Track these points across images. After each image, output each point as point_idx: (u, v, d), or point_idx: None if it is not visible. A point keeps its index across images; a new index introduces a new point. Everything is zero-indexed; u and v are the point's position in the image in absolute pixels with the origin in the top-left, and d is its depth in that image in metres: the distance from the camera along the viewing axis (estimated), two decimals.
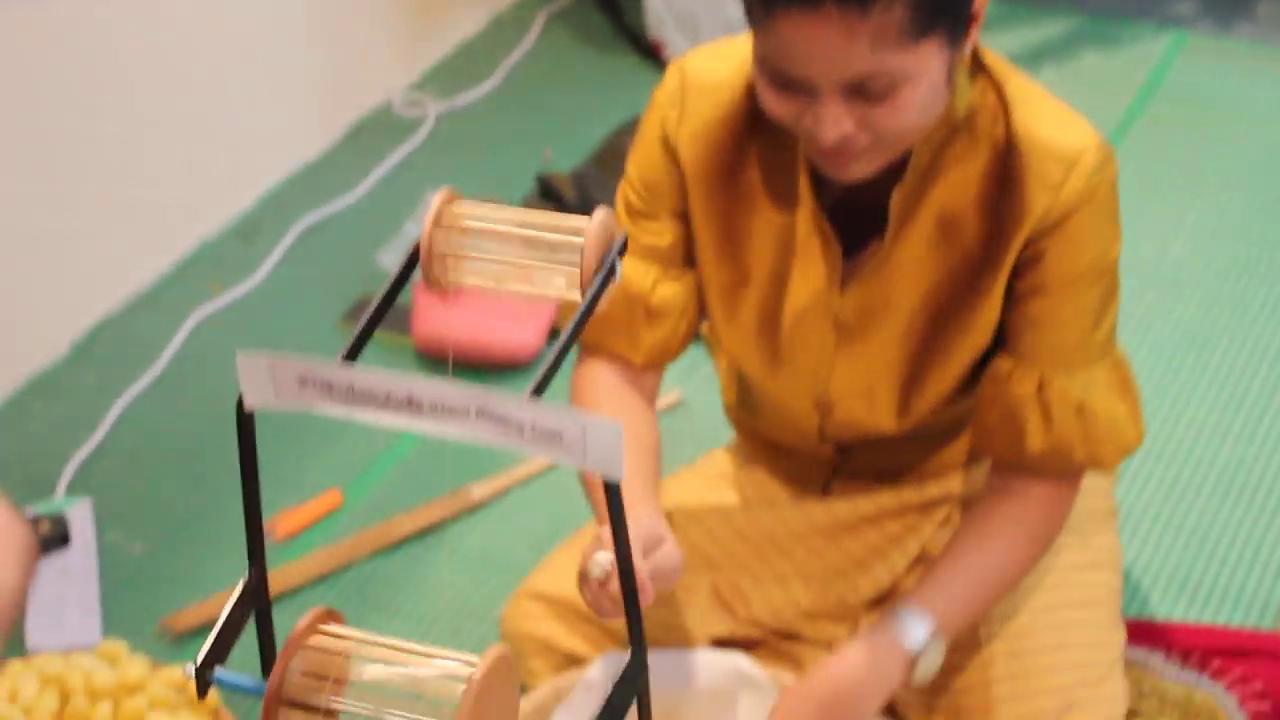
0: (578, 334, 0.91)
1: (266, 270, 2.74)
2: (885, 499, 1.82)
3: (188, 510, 2.28)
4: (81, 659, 1.78)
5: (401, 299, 2.50)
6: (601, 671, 1.68)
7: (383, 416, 0.86)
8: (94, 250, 2.60)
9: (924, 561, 1.81)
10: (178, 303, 2.66)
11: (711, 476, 1.94)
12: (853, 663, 1.56)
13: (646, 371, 1.72)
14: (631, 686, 0.91)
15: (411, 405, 0.85)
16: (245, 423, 0.90)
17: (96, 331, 2.61)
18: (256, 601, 0.97)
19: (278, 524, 2.21)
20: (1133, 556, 2.13)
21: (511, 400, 0.83)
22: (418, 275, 2.55)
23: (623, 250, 0.96)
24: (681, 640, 1.77)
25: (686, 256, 1.66)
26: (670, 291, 1.66)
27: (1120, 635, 1.78)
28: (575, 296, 0.95)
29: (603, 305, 0.95)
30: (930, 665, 1.59)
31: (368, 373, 0.85)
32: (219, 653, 0.94)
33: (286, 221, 2.86)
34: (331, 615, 0.93)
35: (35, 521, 2.16)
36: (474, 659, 0.88)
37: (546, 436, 0.83)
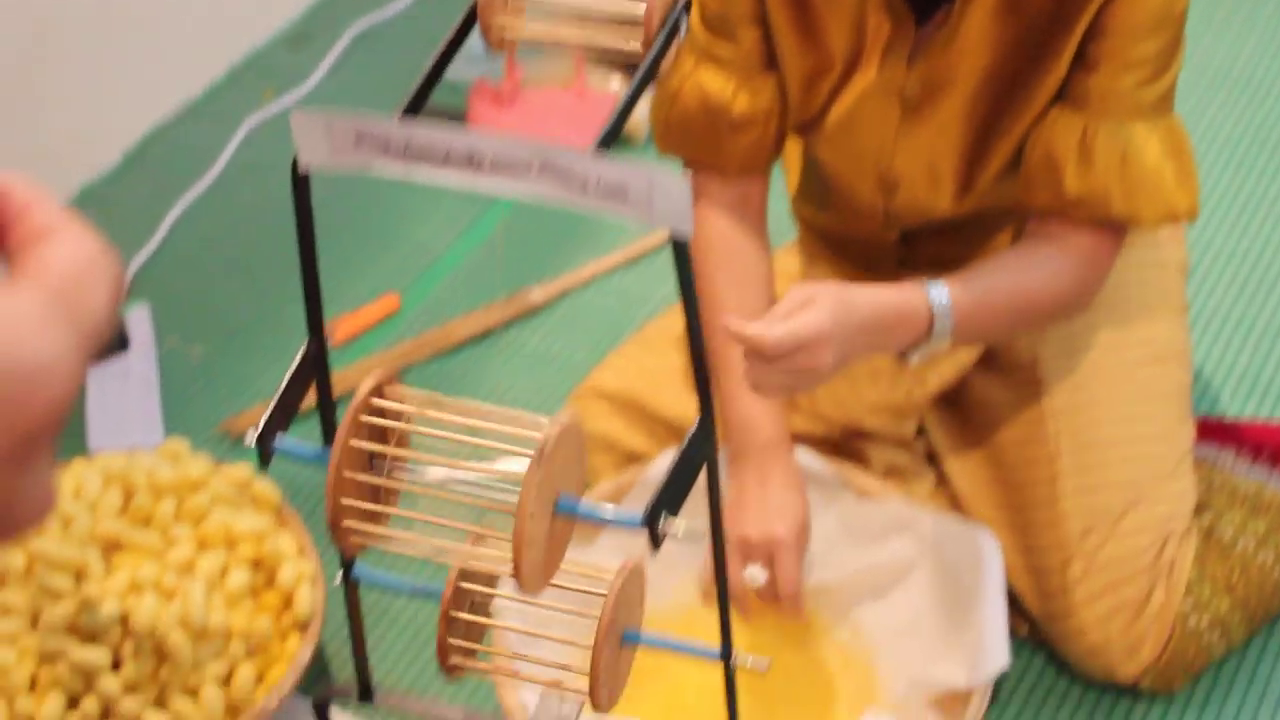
0: (643, 88, 0.88)
1: (318, 78, 2.71)
2: None
3: (245, 315, 2.27)
4: (144, 457, 1.79)
5: (458, 105, 2.48)
6: (664, 468, 1.67)
7: (442, 174, 0.84)
8: (144, 60, 2.57)
9: (990, 357, 1.78)
10: (230, 111, 2.63)
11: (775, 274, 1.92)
12: (882, 301, 1.50)
13: (748, 180, 1.69)
14: (699, 455, 0.89)
15: (472, 162, 0.82)
16: (300, 185, 0.88)
17: (148, 140, 2.59)
18: (316, 371, 0.95)
19: (335, 328, 2.20)
20: (1202, 356, 2.10)
21: (575, 155, 0.80)
22: (476, 78, 2.51)
23: (688, 5, 0.92)
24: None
25: (767, 60, 1.63)
26: (751, 100, 1.63)
27: (1189, 430, 1.76)
28: (638, 53, 0.91)
29: (668, 63, 0.92)
30: (924, 356, 1.54)
31: (426, 128, 0.82)
32: (280, 421, 0.92)
33: (338, 29, 2.82)
34: (393, 380, 0.91)
35: None
36: (543, 419, 0.86)
37: (611, 192, 0.81)
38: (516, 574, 0.83)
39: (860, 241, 1.79)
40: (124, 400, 2.09)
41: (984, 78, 1.55)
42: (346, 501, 0.87)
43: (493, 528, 0.94)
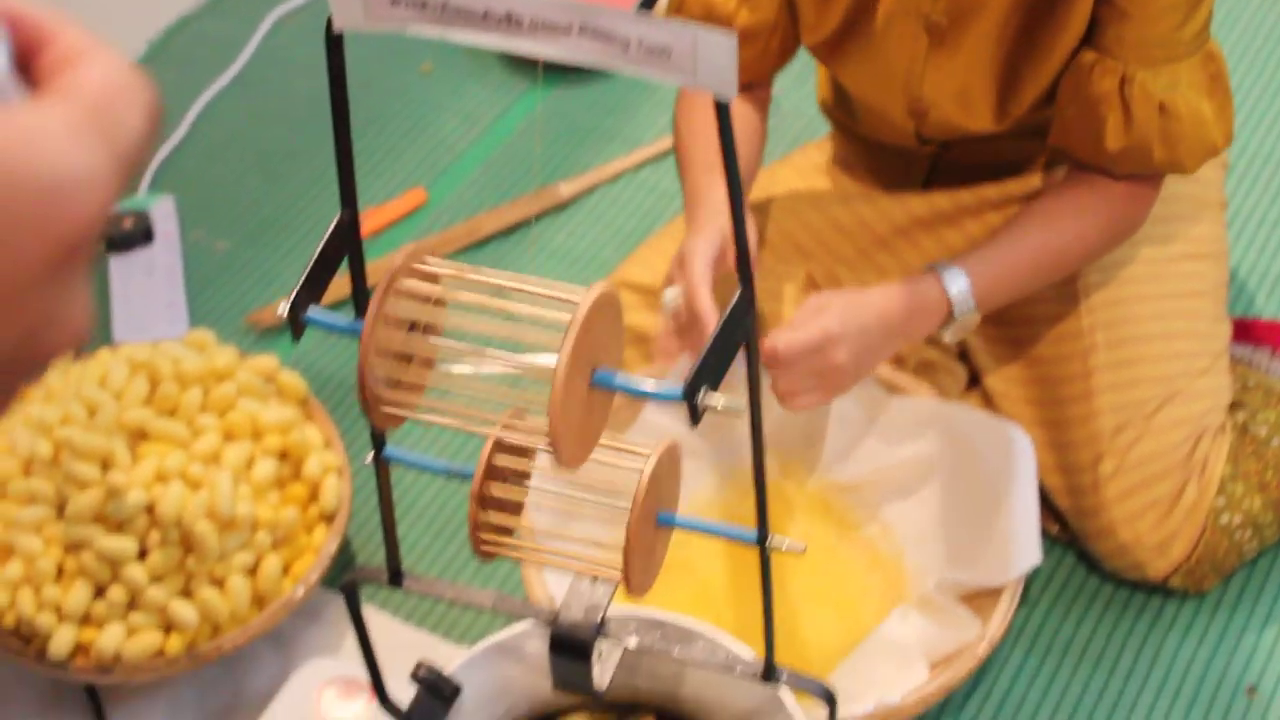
0: None
1: None
2: (988, 191, 1.76)
3: (271, 209, 2.25)
4: (170, 347, 1.77)
5: None
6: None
7: (480, 36, 0.81)
8: None
9: None
10: (255, 2, 2.60)
11: (805, 168, 1.89)
12: (895, 296, 1.53)
13: (749, 91, 1.68)
14: (739, 325, 0.87)
15: (510, 22, 0.80)
16: (334, 48, 0.85)
17: (173, 31, 2.56)
18: (349, 243, 0.93)
19: (362, 222, 2.17)
20: (1239, 257, 2.07)
21: (617, 14, 0.78)
22: None
23: None
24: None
25: None
26: (751, 15, 1.61)
27: (1225, 328, 1.74)
28: None
29: None
30: (958, 332, 1.55)
31: None
32: (312, 293, 0.90)
33: None
34: (427, 251, 0.89)
35: (119, 218, 2.13)
36: (580, 289, 0.84)
37: (653, 53, 0.78)
38: (553, 445, 0.81)
39: (892, 148, 1.77)
40: (149, 293, 2.08)
41: (1012, 6, 1.52)
42: (380, 372, 0.85)
43: (528, 403, 0.93)
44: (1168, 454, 1.65)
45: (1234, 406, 1.72)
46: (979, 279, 1.53)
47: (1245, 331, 1.87)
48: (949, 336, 1.56)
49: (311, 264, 0.90)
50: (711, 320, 1.46)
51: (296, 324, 0.89)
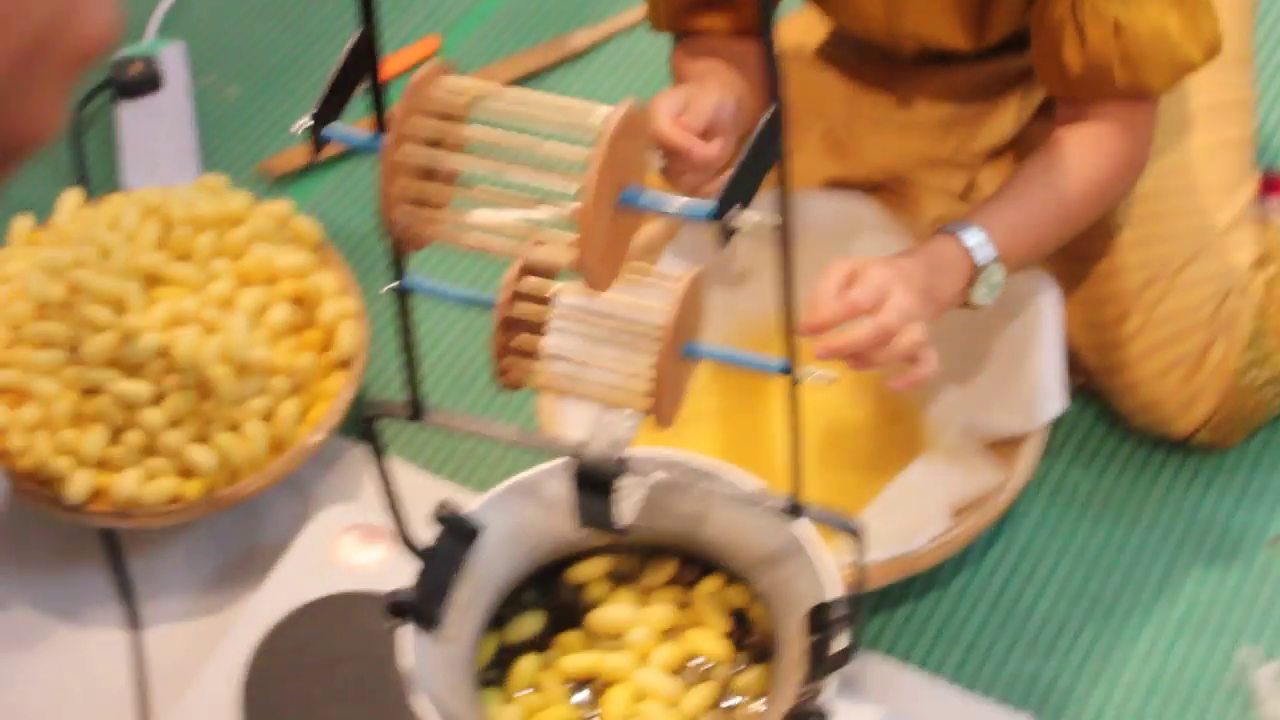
0: None
1: None
2: (1009, 60, 1.72)
3: (284, 55, 2.21)
4: (182, 191, 1.75)
5: None
6: None
7: None
8: None
9: (1049, 106, 1.72)
10: None
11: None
12: (918, 259, 1.47)
13: (743, 41, 1.63)
14: (770, 144, 0.84)
15: None
16: None
17: None
18: (367, 63, 0.91)
19: None
20: (1265, 110, 2.03)
21: None
22: None
23: None
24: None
25: None
26: None
27: (1253, 181, 1.71)
28: None
29: None
30: (990, 290, 1.50)
31: None
32: (331, 111, 0.88)
33: None
34: (449, 69, 0.87)
35: (127, 63, 2.09)
36: (605, 110, 0.81)
37: None
38: (581, 262, 0.79)
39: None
40: (158, 140, 2.04)
41: None
42: (402, 191, 0.83)
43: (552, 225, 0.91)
44: (1195, 310, 1.63)
45: (1261, 262, 1.70)
46: (992, 229, 1.48)
47: (1272, 185, 1.85)
48: (980, 296, 1.50)
49: (329, 83, 0.87)
50: (688, 145, 1.42)
51: (317, 139, 0.87)
